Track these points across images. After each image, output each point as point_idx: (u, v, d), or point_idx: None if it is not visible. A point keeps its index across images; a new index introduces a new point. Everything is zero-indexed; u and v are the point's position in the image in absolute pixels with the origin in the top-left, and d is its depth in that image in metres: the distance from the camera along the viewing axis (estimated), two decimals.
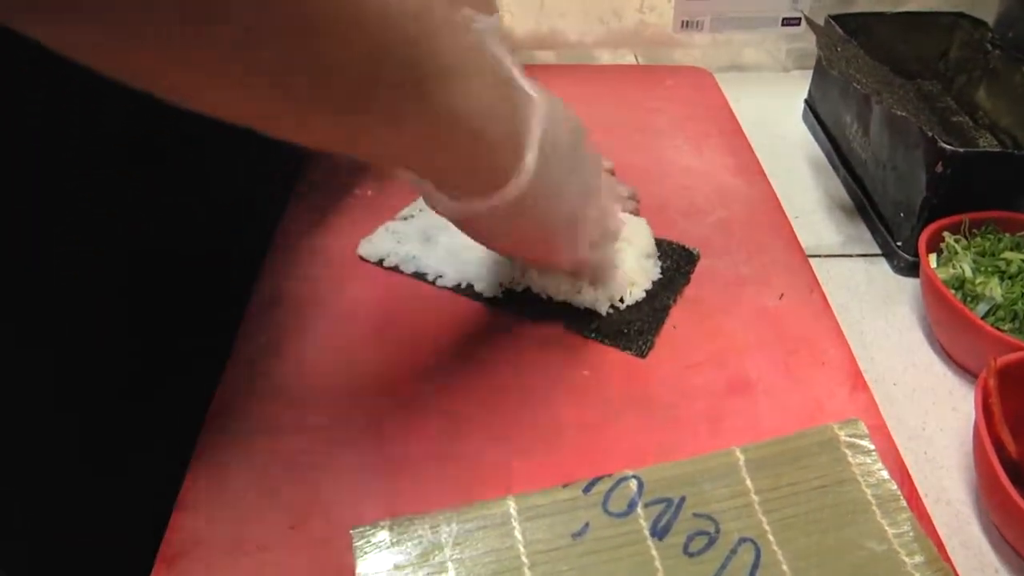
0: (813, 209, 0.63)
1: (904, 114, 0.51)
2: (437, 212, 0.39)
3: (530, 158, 0.37)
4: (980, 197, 0.51)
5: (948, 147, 0.50)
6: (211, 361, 0.48)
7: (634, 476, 0.39)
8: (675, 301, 0.51)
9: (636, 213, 0.57)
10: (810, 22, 0.59)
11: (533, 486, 0.40)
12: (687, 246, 0.55)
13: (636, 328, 0.48)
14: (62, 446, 0.48)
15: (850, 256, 0.59)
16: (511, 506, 0.37)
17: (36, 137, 0.39)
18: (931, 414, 0.47)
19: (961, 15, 0.67)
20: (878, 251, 0.59)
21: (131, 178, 0.45)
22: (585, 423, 0.43)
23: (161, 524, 0.39)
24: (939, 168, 0.50)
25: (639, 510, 0.38)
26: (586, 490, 0.38)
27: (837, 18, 0.65)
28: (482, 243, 0.44)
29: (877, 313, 0.54)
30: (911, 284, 0.56)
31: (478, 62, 0.35)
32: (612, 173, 0.60)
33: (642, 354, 0.47)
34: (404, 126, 0.33)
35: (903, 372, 0.50)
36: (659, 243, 0.54)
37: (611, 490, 0.38)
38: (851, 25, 0.64)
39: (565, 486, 0.38)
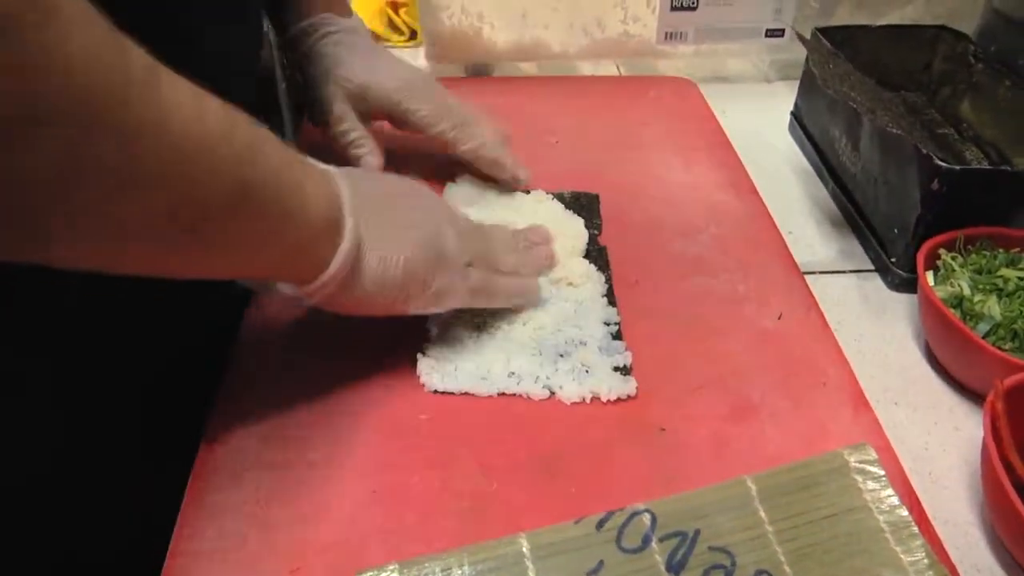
0: (804, 223, 0.63)
1: (899, 132, 0.51)
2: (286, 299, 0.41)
3: (348, 221, 0.39)
4: (974, 213, 0.51)
5: (944, 164, 0.50)
6: (198, 399, 0.46)
7: (646, 510, 0.38)
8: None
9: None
10: (802, 39, 0.59)
11: (539, 519, 0.39)
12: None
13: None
14: (54, 492, 0.47)
15: (843, 272, 0.58)
16: (524, 545, 0.36)
17: None
18: (933, 434, 0.47)
19: (943, 28, 0.67)
20: (871, 266, 0.59)
21: None
22: (588, 452, 0.43)
23: (155, 572, 0.37)
24: (935, 185, 0.50)
25: (654, 544, 0.37)
26: (599, 526, 0.37)
27: (823, 31, 0.65)
28: (353, 314, 0.44)
29: (873, 330, 0.54)
30: (905, 300, 0.56)
31: (293, 169, 0.38)
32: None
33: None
34: (237, 250, 0.36)
35: (903, 391, 0.49)
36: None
37: (624, 525, 0.37)
38: (837, 38, 0.64)
39: (577, 522, 0.37)
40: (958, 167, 0.50)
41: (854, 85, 0.54)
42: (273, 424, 0.44)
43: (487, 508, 0.40)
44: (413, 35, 0.86)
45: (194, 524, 0.39)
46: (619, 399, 0.45)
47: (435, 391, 0.45)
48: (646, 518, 0.38)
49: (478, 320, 0.49)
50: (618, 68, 0.81)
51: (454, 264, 0.45)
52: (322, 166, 0.41)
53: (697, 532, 0.37)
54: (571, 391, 0.45)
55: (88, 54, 0.26)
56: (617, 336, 0.49)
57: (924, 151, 0.50)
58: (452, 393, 0.45)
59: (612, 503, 0.39)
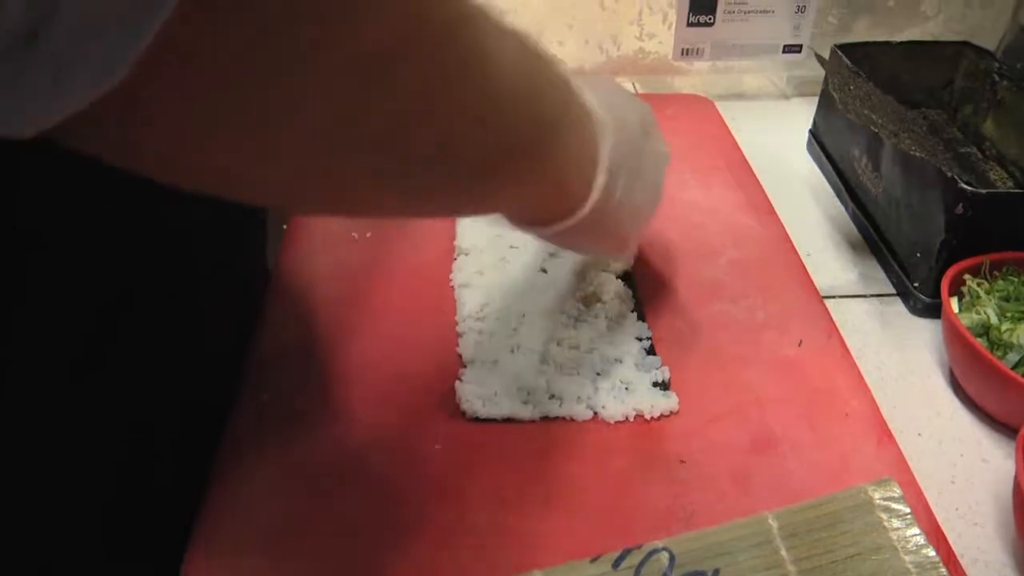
0: (823, 246, 0.62)
1: (923, 155, 0.49)
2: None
3: (599, 184, 0.38)
4: (1000, 237, 0.50)
5: (969, 188, 0.48)
6: (210, 423, 0.46)
7: (665, 548, 0.37)
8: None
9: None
10: (820, 60, 0.58)
11: (555, 554, 0.38)
12: None
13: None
14: (57, 518, 0.46)
15: (864, 296, 0.57)
16: None
17: None
18: (960, 466, 0.45)
19: (966, 44, 0.66)
20: (892, 290, 0.57)
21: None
22: (606, 484, 0.42)
23: None
24: (959, 209, 0.49)
25: None
26: (616, 564, 0.36)
27: (843, 48, 0.64)
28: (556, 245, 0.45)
29: (895, 357, 0.52)
30: (928, 325, 0.54)
31: (573, 108, 0.37)
32: None
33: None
34: (519, 187, 0.35)
35: (927, 421, 0.48)
36: None
37: (642, 564, 0.36)
38: (856, 55, 0.63)
39: (593, 560, 0.36)
40: (983, 191, 0.49)
41: (875, 106, 0.53)
42: (283, 454, 0.43)
43: (501, 542, 0.39)
44: None
45: (205, 561, 0.38)
46: (660, 415, 0.45)
47: (476, 418, 0.44)
48: (664, 557, 0.37)
49: (512, 342, 0.48)
50: (634, 85, 0.80)
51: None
52: (596, 112, 0.39)
53: (716, 572, 0.36)
54: (614, 410, 0.45)
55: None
56: (651, 351, 0.48)
57: (949, 174, 0.49)
58: (495, 420, 0.44)
59: (630, 538, 0.38)
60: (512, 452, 0.43)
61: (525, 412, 0.44)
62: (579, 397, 0.45)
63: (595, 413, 0.45)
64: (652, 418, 0.45)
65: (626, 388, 0.46)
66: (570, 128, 0.36)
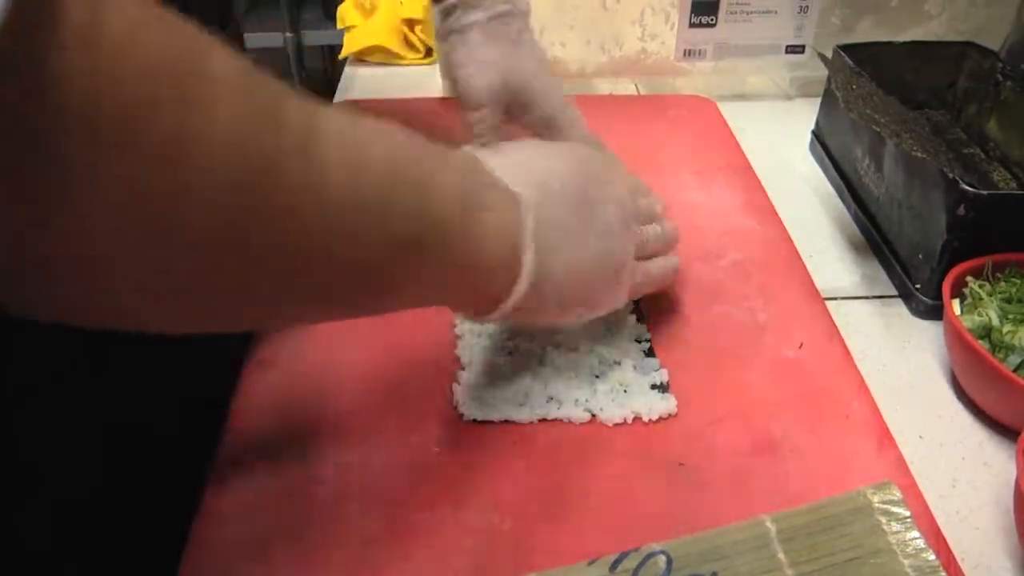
0: (825, 247, 0.61)
1: (924, 156, 0.49)
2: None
3: (528, 258, 0.38)
4: (1002, 239, 0.50)
5: (971, 189, 0.48)
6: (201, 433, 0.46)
7: (662, 551, 0.37)
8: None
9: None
10: (824, 59, 0.58)
11: (552, 557, 0.38)
12: None
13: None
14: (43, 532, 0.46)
15: (866, 298, 0.57)
16: None
17: None
18: (961, 470, 0.45)
19: (970, 44, 0.66)
20: (894, 292, 0.57)
21: None
22: (604, 487, 0.42)
23: None
24: (961, 210, 0.49)
25: None
26: (612, 567, 0.36)
27: (846, 48, 0.64)
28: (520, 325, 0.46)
29: (896, 360, 0.52)
30: (930, 327, 0.54)
31: (472, 195, 0.36)
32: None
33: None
34: (419, 285, 0.35)
35: (928, 424, 0.48)
36: None
37: (639, 567, 0.36)
38: (860, 55, 0.63)
39: (590, 563, 0.36)
40: (985, 192, 0.48)
41: (877, 106, 0.53)
42: (279, 459, 0.43)
43: (499, 546, 0.39)
44: (429, 52, 0.86)
45: (198, 564, 0.38)
46: (659, 418, 0.45)
47: (474, 420, 0.44)
48: (661, 560, 0.36)
49: (509, 344, 0.48)
50: (636, 86, 0.80)
51: (626, 270, 0.44)
52: (507, 189, 0.38)
53: (714, 575, 0.36)
54: (612, 413, 0.45)
55: (238, 129, 0.25)
56: (650, 353, 0.48)
57: (951, 175, 0.49)
58: (492, 422, 0.44)
59: (628, 541, 0.38)
60: (509, 455, 0.43)
61: (522, 415, 0.44)
62: (577, 400, 0.45)
63: (593, 416, 0.45)
64: (651, 420, 0.45)
65: (624, 390, 0.46)
66: (470, 214, 0.35)
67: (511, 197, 0.38)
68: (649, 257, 0.47)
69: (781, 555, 0.37)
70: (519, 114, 0.56)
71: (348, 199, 0.29)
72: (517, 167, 0.40)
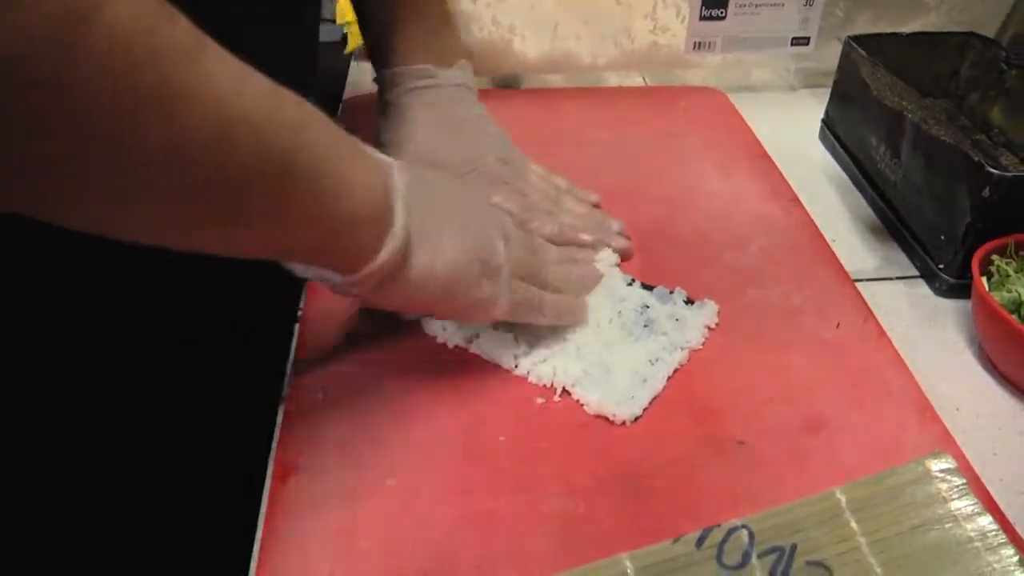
0: (847, 233, 0.63)
1: (952, 141, 0.51)
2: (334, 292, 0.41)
3: (398, 216, 0.39)
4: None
5: (996, 172, 0.50)
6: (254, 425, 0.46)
7: (744, 525, 0.38)
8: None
9: (626, 253, 0.56)
10: (853, 49, 0.59)
11: (631, 539, 0.38)
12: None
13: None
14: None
15: (889, 279, 0.59)
16: (627, 566, 0.36)
17: None
18: (999, 440, 0.47)
19: (971, 34, 0.68)
20: (915, 273, 0.59)
21: None
22: (669, 469, 0.43)
23: None
24: (986, 192, 0.51)
25: (754, 561, 0.37)
26: (698, 544, 0.37)
27: (855, 39, 0.66)
28: (392, 309, 0.45)
29: (926, 337, 0.54)
30: (954, 305, 0.56)
31: (345, 143, 0.38)
32: (596, 206, 0.60)
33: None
34: (278, 228, 0.35)
35: (963, 398, 0.50)
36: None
37: (723, 542, 0.37)
38: (868, 46, 0.65)
39: (675, 541, 0.37)
40: (1010, 174, 0.51)
41: (901, 94, 0.55)
42: (344, 450, 0.43)
43: (577, 530, 0.39)
44: None
45: (274, 559, 0.38)
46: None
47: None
48: (744, 534, 0.38)
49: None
50: (644, 79, 0.81)
51: (501, 274, 0.44)
52: (381, 156, 0.40)
53: (794, 547, 0.38)
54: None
55: (132, 17, 0.26)
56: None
57: (976, 158, 0.51)
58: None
59: (700, 520, 0.39)
60: (575, 441, 0.44)
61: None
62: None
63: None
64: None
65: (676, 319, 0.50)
66: (342, 154, 0.37)
67: (381, 162, 0.40)
68: (550, 285, 0.48)
69: (853, 524, 0.39)
70: None
71: (231, 106, 0.30)
72: (405, 171, 0.41)
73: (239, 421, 0.52)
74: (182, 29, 0.28)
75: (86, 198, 0.29)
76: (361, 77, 0.84)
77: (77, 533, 0.51)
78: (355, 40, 0.86)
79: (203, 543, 0.53)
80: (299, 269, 0.39)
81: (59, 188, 0.28)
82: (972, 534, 0.39)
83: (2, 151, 0.25)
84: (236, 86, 0.31)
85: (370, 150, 0.40)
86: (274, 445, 0.44)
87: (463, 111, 0.55)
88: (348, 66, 0.86)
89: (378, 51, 0.56)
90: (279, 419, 0.45)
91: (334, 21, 0.94)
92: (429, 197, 0.42)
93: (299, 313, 0.52)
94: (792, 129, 0.75)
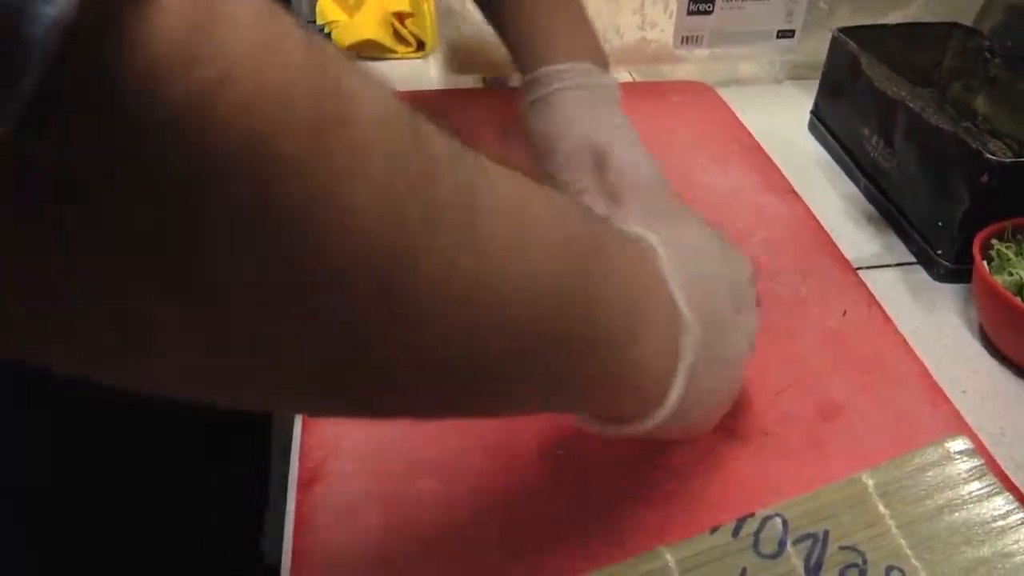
0: (841, 221, 0.64)
1: (951, 128, 0.52)
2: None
3: (677, 386, 0.34)
4: (1022, 203, 0.53)
5: (993, 158, 0.51)
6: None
7: (777, 514, 0.38)
8: None
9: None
10: (855, 40, 0.60)
11: (675, 530, 0.39)
12: None
13: None
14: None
15: (887, 266, 0.60)
16: (668, 559, 0.36)
17: None
18: (1007, 420, 0.48)
19: (954, 25, 0.70)
20: (912, 259, 0.60)
21: None
22: (697, 461, 0.43)
23: None
24: (984, 178, 0.52)
25: (789, 548, 0.37)
26: (735, 533, 0.38)
27: (844, 31, 0.67)
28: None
29: (927, 322, 0.55)
30: (953, 290, 0.58)
31: (647, 302, 0.32)
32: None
33: None
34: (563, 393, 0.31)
35: (968, 380, 0.51)
36: None
37: (759, 531, 0.38)
38: (856, 37, 0.66)
39: (713, 531, 0.38)
40: (1007, 160, 0.52)
41: (896, 83, 0.56)
42: (367, 454, 0.43)
43: (612, 525, 0.40)
44: (420, 46, 0.85)
45: (308, 565, 0.38)
46: None
47: None
48: (778, 522, 0.38)
49: None
50: (631, 75, 0.81)
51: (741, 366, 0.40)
52: (671, 301, 0.33)
53: (827, 533, 0.38)
54: None
55: (378, 194, 0.19)
56: None
57: (973, 145, 0.52)
58: None
59: (731, 511, 0.39)
60: (602, 443, 0.44)
61: None
62: None
63: None
64: None
65: None
66: (633, 325, 0.31)
67: (674, 318, 0.34)
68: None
69: (881, 508, 0.39)
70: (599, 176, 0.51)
71: (511, 275, 0.24)
72: (683, 267, 0.35)
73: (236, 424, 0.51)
74: (445, 173, 0.21)
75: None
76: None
77: (73, 533, 0.50)
78: (341, 41, 0.85)
79: (202, 543, 0.52)
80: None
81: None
82: (993, 514, 0.40)
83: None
84: (516, 243, 0.23)
85: (659, 292, 0.33)
86: (294, 451, 0.43)
87: (620, 118, 0.54)
88: None
89: (531, 48, 0.53)
90: (299, 426, 0.45)
91: (313, 22, 0.93)
92: (706, 348, 0.35)
93: None
94: (781, 121, 0.76)
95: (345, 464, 0.42)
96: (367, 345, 0.21)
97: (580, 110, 0.52)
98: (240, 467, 0.54)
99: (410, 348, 0.22)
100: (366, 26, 0.83)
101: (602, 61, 0.54)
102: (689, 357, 0.33)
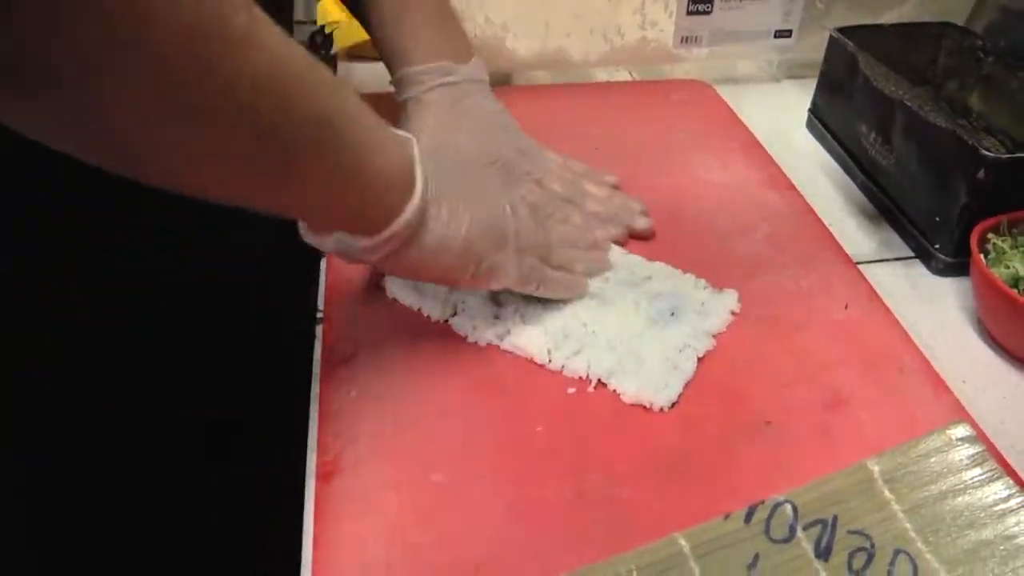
0: (840, 217, 0.66)
1: (948, 126, 0.54)
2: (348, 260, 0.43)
3: (419, 180, 0.41)
4: (1017, 198, 0.55)
5: (990, 154, 0.53)
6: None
7: (787, 500, 0.40)
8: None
9: (648, 232, 0.58)
10: (853, 41, 0.61)
11: (679, 519, 0.39)
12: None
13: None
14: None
15: (887, 261, 0.61)
16: (683, 545, 0.37)
17: None
18: (1006, 409, 0.50)
19: (948, 24, 0.71)
20: (911, 254, 0.62)
21: None
22: (705, 450, 0.44)
23: None
24: (981, 174, 0.54)
25: (799, 533, 0.38)
26: (747, 519, 0.39)
27: (842, 31, 0.68)
28: (407, 277, 0.49)
29: (927, 315, 0.57)
30: (951, 284, 0.59)
31: (370, 116, 0.40)
32: (616, 187, 0.62)
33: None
34: (323, 186, 0.38)
35: (967, 371, 0.52)
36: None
37: (770, 517, 0.39)
38: (853, 37, 0.68)
39: (726, 517, 0.39)
40: (1004, 156, 0.53)
41: (895, 83, 0.57)
42: (383, 447, 0.43)
43: (625, 514, 0.40)
44: None
45: (332, 557, 0.39)
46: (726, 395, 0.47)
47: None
48: (788, 509, 0.39)
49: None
50: (631, 74, 0.82)
51: (511, 246, 0.46)
52: (399, 131, 0.43)
53: (835, 518, 0.39)
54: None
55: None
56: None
57: (970, 141, 0.54)
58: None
59: (742, 498, 0.40)
60: (609, 428, 0.45)
61: None
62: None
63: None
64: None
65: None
66: (369, 122, 0.39)
67: (404, 133, 0.43)
68: (554, 262, 0.50)
69: (887, 493, 0.40)
70: None
71: (283, 57, 0.32)
72: (433, 160, 0.44)
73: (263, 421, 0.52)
74: None
75: (166, 141, 0.31)
76: (347, 78, 0.84)
77: (74, 533, 0.51)
78: (341, 41, 0.85)
79: (202, 543, 0.52)
80: (321, 241, 0.41)
81: (151, 140, 0.30)
82: (995, 497, 0.41)
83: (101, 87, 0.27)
84: (285, 43, 0.32)
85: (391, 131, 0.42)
86: (311, 445, 0.44)
87: (482, 106, 0.56)
88: (335, 68, 0.85)
89: (392, 52, 0.56)
90: (313, 420, 0.45)
91: (314, 23, 0.94)
92: (445, 172, 0.45)
93: (319, 315, 0.52)
94: (779, 119, 0.77)
95: (358, 457, 0.43)
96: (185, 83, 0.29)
97: (444, 107, 0.55)
98: (240, 467, 0.55)
99: (219, 106, 0.30)
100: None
101: (464, 54, 0.57)
102: (421, 158, 0.42)
